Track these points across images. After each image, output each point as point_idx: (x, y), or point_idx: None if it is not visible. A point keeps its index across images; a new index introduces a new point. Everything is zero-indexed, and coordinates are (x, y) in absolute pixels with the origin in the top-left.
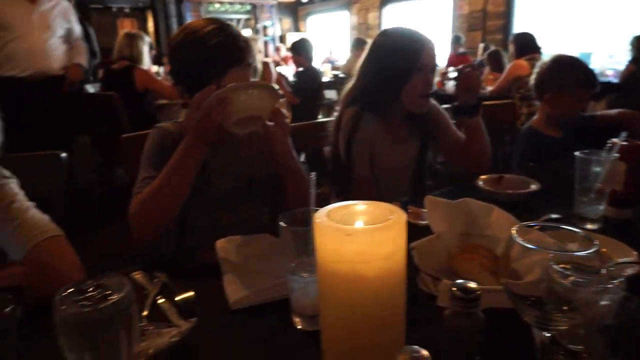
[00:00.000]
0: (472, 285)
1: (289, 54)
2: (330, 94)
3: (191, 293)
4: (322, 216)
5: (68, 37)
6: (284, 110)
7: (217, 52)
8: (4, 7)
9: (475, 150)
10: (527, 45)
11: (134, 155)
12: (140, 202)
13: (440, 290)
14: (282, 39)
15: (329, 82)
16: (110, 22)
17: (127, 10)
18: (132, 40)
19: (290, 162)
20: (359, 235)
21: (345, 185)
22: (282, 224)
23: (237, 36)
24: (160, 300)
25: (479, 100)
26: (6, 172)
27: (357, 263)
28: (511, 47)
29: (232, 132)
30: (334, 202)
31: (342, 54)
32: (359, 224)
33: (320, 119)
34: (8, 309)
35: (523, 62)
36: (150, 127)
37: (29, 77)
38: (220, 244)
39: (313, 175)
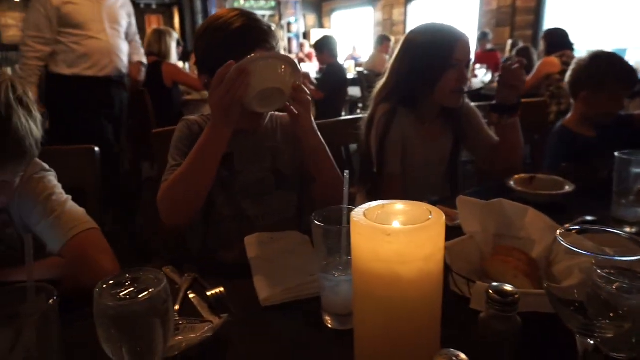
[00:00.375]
0: (509, 288)
1: (313, 51)
2: (354, 91)
3: (221, 289)
4: (359, 215)
5: (127, 33)
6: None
7: (239, 36)
8: (76, 6)
9: (509, 151)
10: (558, 42)
11: (164, 149)
12: (167, 187)
13: (474, 292)
14: (305, 35)
15: (352, 79)
16: (138, 18)
17: (154, 7)
18: (161, 36)
19: (313, 141)
20: (398, 235)
21: (374, 184)
22: (315, 222)
23: (260, 20)
24: (191, 295)
25: (519, 99)
26: (45, 166)
27: (396, 264)
28: (542, 43)
29: (254, 109)
30: (362, 202)
31: (366, 50)
32: (396, 224)
33: (344, 115)
34: (51, 300)
35: (554, 59)
36: (178, 122)
37: (106, 77)
38: (249, 240)
39: (346, 173)
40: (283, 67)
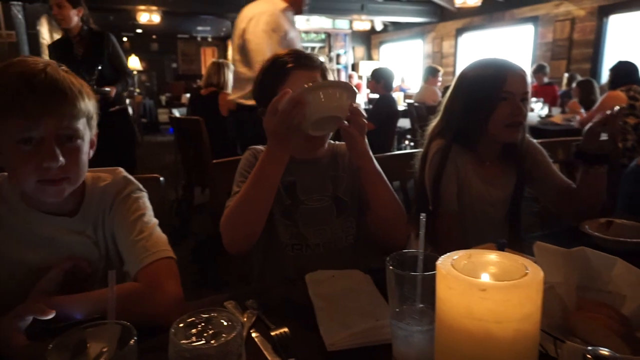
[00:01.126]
0: (608, 352)
1: (361, 82)
2: (403, 123)
3: (286, 329)
4: (447, 266)
5: None
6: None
7: (286, 60)
8: (292, 39)
9: (591, 198)
10: (624, 76)
11: (222, 179)
12: (228, 213)
13: (564, 353)
14: (354, 67)
15: (402, 110)
16: (195, 50)
17: (209, 39)
18: (220, 68)
19: (368, 164)
20: (495, 291)
21: (430, 224)
22: (389, 267)
23: (311, 55)
24: (254, 334)
25: (606, 153)
26: (141, 186)
27: (490, 322)
28: (609, 76)
29: (309, 133)
30: (414, 243)
31: (414, 82)
32: (485, 277)
33: (394, 147)
34: (132, 340)
35: (620, 94)
36: (230, 150)
37: None
38: (310, 277)
39: (423, 216)
40: (338, 94)
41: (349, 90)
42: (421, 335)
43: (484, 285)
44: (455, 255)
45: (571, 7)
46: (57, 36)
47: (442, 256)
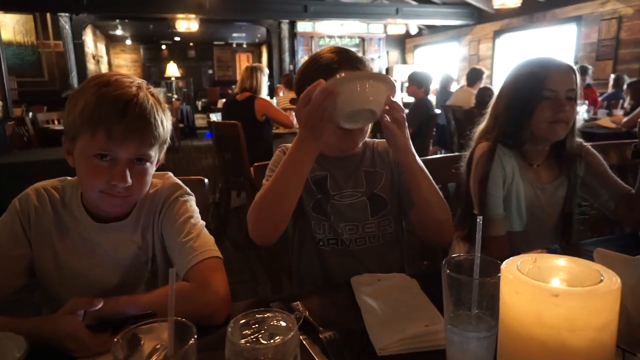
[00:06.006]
0: None
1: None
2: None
3: (335, 332)
4: (513, 270)
5: None
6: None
7: (328, 62)
8: None
9: None
10: None
11: (262, 181)
12: (256, 200)
13: None
14: (388, 71)
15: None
16: (230, 56)
17: (244, 46)
18: (253, 72)
19: (411, 160)
20: (569, 297)
21: (472, 228)
22: (445, 270)
23: (350, 50)
24: (302, 336)
25: None
26: (188, 190)
27: (563, 330)
28: None
29: (342, 126)
30: (458, 247)
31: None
32: (556, 282)
33: (431, 151)
34: (192, 339)
35: None
36: (265, 155)
37: None
38: (355, 281)
39: (479, 219)
40: (375, 87)
41: (386, 83)
42: (478, 342)
43: (557, 290)
44: (519, 259)
45: (618, 5)
46: (100, 46)
47: (506, 260)
